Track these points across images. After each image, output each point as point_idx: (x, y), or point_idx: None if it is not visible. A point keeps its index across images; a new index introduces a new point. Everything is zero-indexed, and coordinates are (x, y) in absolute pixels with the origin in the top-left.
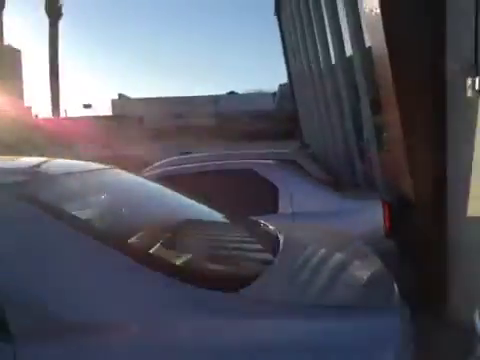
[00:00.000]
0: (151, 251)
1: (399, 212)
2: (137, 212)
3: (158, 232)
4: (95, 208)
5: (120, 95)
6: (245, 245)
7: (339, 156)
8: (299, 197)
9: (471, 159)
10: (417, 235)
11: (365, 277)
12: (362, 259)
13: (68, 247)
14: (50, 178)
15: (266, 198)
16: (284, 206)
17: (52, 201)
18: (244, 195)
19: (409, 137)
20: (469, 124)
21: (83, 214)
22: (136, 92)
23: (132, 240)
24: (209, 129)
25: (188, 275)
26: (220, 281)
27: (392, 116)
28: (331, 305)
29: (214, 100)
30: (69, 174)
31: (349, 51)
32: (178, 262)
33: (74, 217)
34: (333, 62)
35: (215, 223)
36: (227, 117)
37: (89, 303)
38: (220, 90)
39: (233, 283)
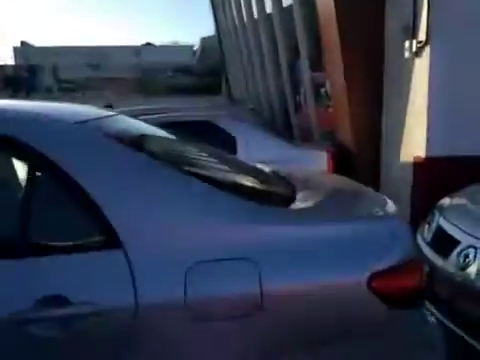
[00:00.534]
0: (223, 181)
1: (340, 159)
2: (187, 149)
3: (216, 168)
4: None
5: (23, 43)
6: (274, 180)
7: (275, 110)
8: (255, 146)
9: (404, 113)
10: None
11: (371, 200)
12: (362, 189)
13: (159, 176)
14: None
15: (224, 148)
16: (241, 155)
17: (129, 137)
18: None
19: (351, 92)
20: (404, 82)
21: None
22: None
23: (205, 170)
24: (130, 82)
25: (257, 197)
26: (277, 201)
27: (335, 73)
28: (354, 215)
29: (135, 51)
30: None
31: (287, 0)
32: (246, 188)
33: (154, 152)
34: (269, 12)
35: (241, 163)
36: (149, 70)
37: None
38: (134, 41)
39: (284, 202)
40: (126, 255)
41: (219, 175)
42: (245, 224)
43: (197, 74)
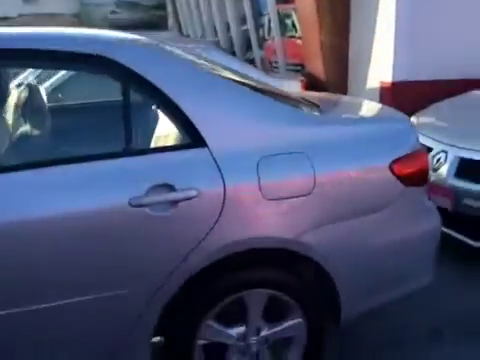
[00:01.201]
0: (277, 94)
1: (311, 89)
2: (234, 70)
3: (265, 85)
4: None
5: None
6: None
7: (235, 44)
8: None
9: (371, 40)
10: None
11: (383, 109)
12: (374, 103)
13: (231, 90)
14: None
15: None
16: None
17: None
18: None
19: (320, 21)
20: (371, 8)
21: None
22: None
23: (262, 86)
24: (67, 18)
25: (303, 106)
26: (316, 110)
27: (304, 2)
28: (376, 117)
29: None
30: None
31: None
32: (294, 100)
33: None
34: None
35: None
36: (89, 4)
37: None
38: None
39: (318, 108)
40: (211, 152)
41: (272, 90)
42: (299, 127)
43: (142, 8)
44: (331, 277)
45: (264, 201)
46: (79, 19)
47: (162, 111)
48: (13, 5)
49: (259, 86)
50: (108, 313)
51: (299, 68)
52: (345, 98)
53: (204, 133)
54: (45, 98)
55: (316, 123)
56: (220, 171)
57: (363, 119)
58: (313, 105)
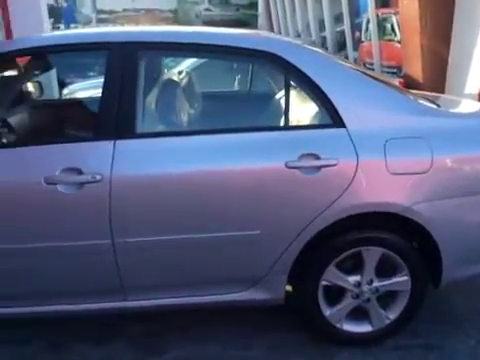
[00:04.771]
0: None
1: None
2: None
3: (394, 84)
4: None
5: None
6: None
7: (328, 45)
8: None
9: (472, 46)
10: None
11: None
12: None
13: (364, 82)
14: None
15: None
16: None
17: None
18: None
19: (423, 25)
20: (475, 15)
21: None
22: None
23: (385, 79)
24: (164, 13)
25: (421, 99)
26: (430, 103)
27: (408, 5)
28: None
29: None
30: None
31: None
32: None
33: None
34: None
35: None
36: (189, 1)
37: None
38: None
39: (433, 102)
40: (348, 132)
41: (396, 85)
42: (420, 116)
43: (234, 6)
44: (437, 244)
45: (388, 175)
46: (175, 15)
47: (312, 97)
48: (119, 1)
49: (386, 81)
50: (257, 247)
51: (395, 70)
52: (452, 97)
53: (344, 117)
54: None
55: (434, 114)
56: (355, 147)
57: (472, 113)
58: (428, 100)
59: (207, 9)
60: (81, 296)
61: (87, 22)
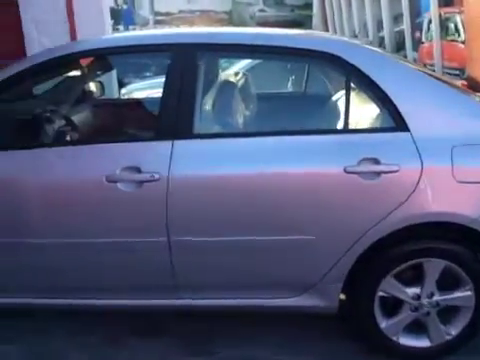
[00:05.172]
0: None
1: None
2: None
3: (461, 88)
4: None
5: None
6: None
7: (386, 45)
8: None
9: None
10: None
11: None
12: None
13: (428, 84)
14: None
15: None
16: None
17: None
18: None
19: None
20: None
21: None
22: None
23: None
24: (219, 14)
25: None
26: None
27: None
28: None
29: None
30: None
31: None
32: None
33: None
34: None
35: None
36: (239, 2)
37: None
38: None
39: None
40: (412, 136)
41: (463, 89)
42: None
43: (288, 7)
44: None
45: (454, 183)
46: (229, 16)
47: (373, 99)
48: (175, 2)
49: (450, 83)
50: (310, 253)
51: (457, 72)
52: None
53: (408, 120)
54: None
55: None
56: (419, 153)
57: None
58: None
59: (261, 10)
60: (135, 292)
61: (144, 24)
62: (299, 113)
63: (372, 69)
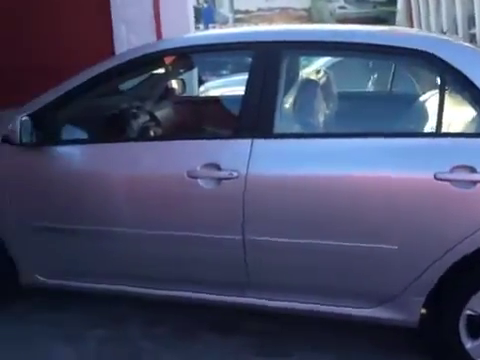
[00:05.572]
0: None
1: None
2: None
3: None
4: None
5: None
6: None
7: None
8: None
9: None
10: None
11: None
12: None
13: None
14: None
15: None
16: None
17: None
18: None
19: None
20: None
21: None
22: None
23: None
24: (297, 12)
25: None
26: None
27: None
28: None
29: None
30: None
31: None
32: None
33: None
34: None
35: None
36: None
37: None
38: None
39: None
40: None
41: None
42: None
43: (370, 3)
44: None
45: None
46: (309, 13)
47: (470, 101)
48: (254, 0)
49: None
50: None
51: None
52: None
53: None
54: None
55: None
56: None
57: None
58: None
59: (342, 7)
60: (208, 286)
61: (224, 22)
62: (384, 114)
63: (469, 68)
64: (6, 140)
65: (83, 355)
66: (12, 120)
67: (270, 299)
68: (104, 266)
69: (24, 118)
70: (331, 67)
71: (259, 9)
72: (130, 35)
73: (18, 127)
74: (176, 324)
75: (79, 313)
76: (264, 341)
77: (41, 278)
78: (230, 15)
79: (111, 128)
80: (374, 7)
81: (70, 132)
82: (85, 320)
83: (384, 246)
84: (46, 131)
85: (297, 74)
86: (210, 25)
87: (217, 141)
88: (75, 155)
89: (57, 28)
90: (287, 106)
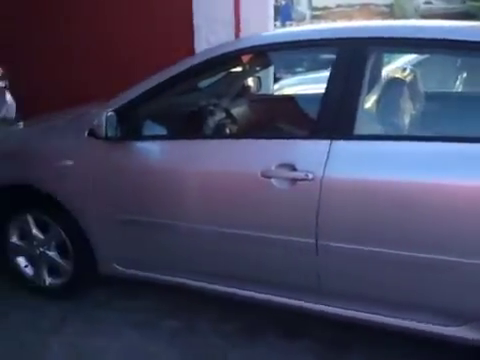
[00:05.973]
0: None
1: None
2: None
3: None
4: None
5: None
6: None
7: None
8: None
9: None
10: None
11: None
12: None
13: None
14: None
15: None
16: None
17: None
18: None
19: None
20: None
21: None
22: None
23: None
24: (379, 8)
25: None
26: None
27: None
28: None
29: None
30: None
31: None
32: None
33: None
34: None
35: None
36: None
37: None
38: None
39: None
40: None
41: None
42: None
43: None
44: None
45: None
46: (391, 9)
47: None
48: None
49: None
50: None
51: None
52: None
53: None
54: None
55: None
56: None
57: None
58: None
59: (427, 2)
60: (277, 289)
61: (301, 19)
62: (477, 116)
63: None
64: (92, 134)
65: (155, 344)
66: (98, 115)
67: (341, 307)
68: (174, 259)
69: (109, 113)
70: (417, 65)
71: (338, 6)
72: (209, 34)
73: (103, 122)
74: (244, 323)
75: (155, 302)
76: (329, 349)
77: (119, 267)
78: (307, 12)
79: (188, 125)
80: (463, 2)
81: (151, 127)
82: (160, 310)
83: (471, 261)
84: (129, 126)
85: (381, 72)
86: (287, 22)
87: (293, 141)
88: (154, 150)
89: (143, 28)
90: (370, 106)
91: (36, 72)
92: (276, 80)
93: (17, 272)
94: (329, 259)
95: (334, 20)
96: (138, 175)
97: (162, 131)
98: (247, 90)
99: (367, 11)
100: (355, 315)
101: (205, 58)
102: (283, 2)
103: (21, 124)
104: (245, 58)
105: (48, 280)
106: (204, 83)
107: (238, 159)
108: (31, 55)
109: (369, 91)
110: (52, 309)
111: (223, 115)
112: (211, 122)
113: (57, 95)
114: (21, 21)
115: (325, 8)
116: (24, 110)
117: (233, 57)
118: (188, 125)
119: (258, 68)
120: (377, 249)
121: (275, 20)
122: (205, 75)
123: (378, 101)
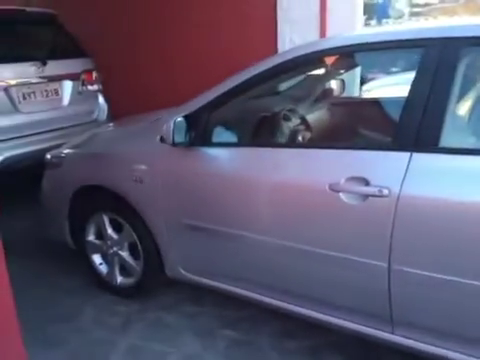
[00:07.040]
0: None
1: None
2: None
3: None
4: None
5: None
6: None
7: None
8: None
9: None
10: None
11: None
12: None
13: None
14: None
15: None
16: None
17: None
18: None
19: None
20: None
21: None
22: None
23: None
24: None
25: None
26: None
27: None
28: None
29: None
30: None
31: None
32: None
33: None
34: None
35: None
36: None
37: None
38: None
39: None
40: None
41: None
42: None
43: None
44: None
45: None
46: None
47: None
48: None
49: None
50: None
51: None
52: None
53: None
54: None
55: None
56: None
57: None
58: None
59: None
60: (343, 312)
61: (399, 16)
62: None
63: None
64: (162, 139)
65: (211, 353)
66: (168, 121)
67: (417, 340)
68: (235, 269)
69: (179, 119)
70: None
71: (441, 1)
72: (293, 33)
73: (171, 128)
74: (304, 341)
75: (217, 310)
76: None
77: (184, 272)
78: (406, 9)
79: (259, 132)
80: None
81: (220, 134)
82: (220, 318)
83: None
84: (198, 132)
85: (476, 77)
86: (383, 20)
87: (368, 152)
88: (222, 158)
89: (229, 34)
90: (461, 116)
91: (130, 77)
92: (366, 81)
93: (92, 269)
94: (403, 286)
95: (434, 17)
96: (204, 182)
97: (231, 138)
98: (328, 94)
99: (474, 6)
100: (432, 351)
101: (279, 61)
102: (380, 0)
103: (111, 125)
104: (330, 60)
105: (119, 279)
106: (281, 87)
107: (306, 170)
108: (125, 62)
109: (460, 98)
110: (120, 309)
111: (297, 121)
112: (283, 129)
113: (150, 99)
114: (125, 31)
115: (426, 4)
116: (121, 112)
117: (315, 58)
118: (258, 132)
119: (342, 70)
120: (457, 279)
121: (370, 19)
122: (283, 78)
123: (472, 110)
